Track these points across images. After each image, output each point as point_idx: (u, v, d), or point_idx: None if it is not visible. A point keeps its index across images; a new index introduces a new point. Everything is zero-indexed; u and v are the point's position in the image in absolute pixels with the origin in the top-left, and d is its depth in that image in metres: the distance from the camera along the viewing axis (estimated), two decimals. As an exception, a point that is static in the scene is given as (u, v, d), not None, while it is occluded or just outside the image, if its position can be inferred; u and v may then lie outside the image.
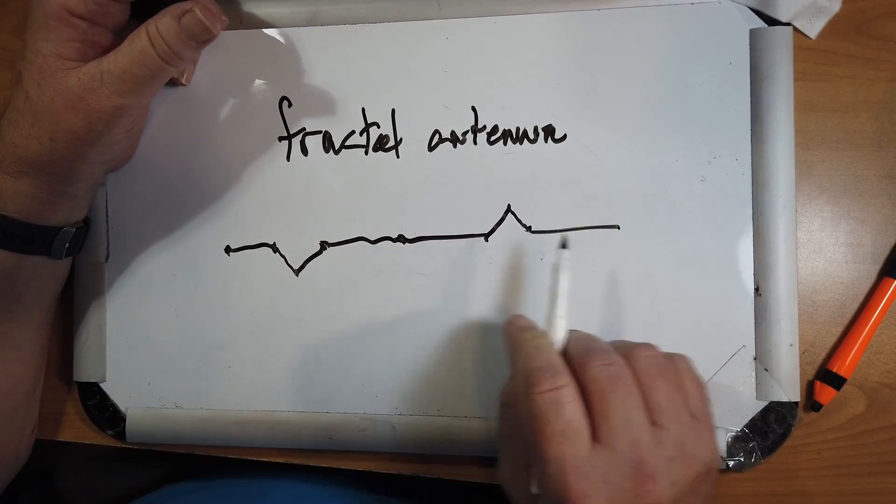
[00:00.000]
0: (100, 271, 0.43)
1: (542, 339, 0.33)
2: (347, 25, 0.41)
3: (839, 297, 0.39)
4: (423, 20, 0.40)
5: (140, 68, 0.34)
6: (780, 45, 0.37)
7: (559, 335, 0.33)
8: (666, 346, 0.38)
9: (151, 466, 0.51)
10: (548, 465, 0.29)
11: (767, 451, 0.38)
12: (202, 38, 0.34)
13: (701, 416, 0.31)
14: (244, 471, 0.46)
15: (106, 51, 0.35)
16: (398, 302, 0.40)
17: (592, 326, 0.38)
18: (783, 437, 0.38)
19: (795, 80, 0.38)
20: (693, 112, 0.38)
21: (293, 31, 0.41)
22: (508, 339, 0.34)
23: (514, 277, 0.39)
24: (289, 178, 0.41)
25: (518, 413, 0.31)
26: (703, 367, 0.38)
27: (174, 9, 0.34)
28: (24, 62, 0.35)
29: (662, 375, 0.31)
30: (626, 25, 0.39)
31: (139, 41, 0.34)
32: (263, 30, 0.42)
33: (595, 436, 0.29)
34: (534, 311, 0.39)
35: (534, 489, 0.31)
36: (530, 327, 0.34)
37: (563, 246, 0.35)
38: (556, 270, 0.34)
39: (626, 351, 0.32)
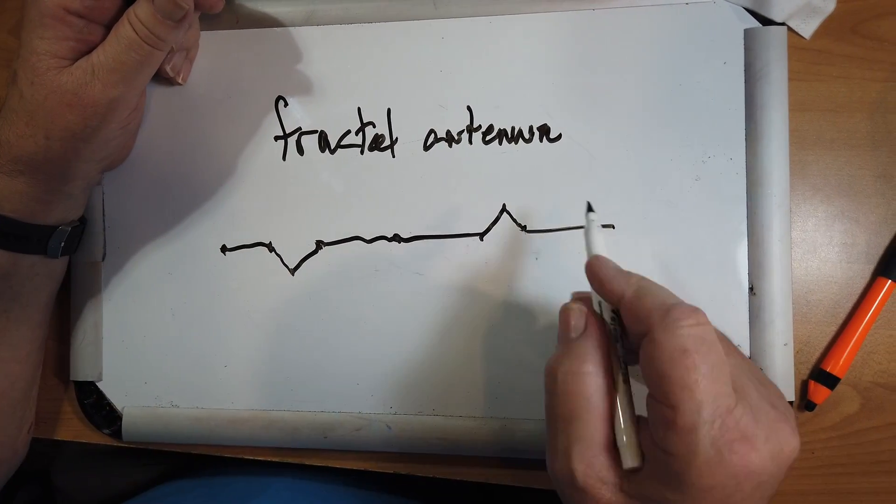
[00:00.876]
0: (96, 270, 0.43)
1: (652, 282, 0.29)
2: (343, 25, 0.41)
3: (833, 296, 0.39)
4: (418, 20, 0.40)
5: (128, 55, 0.34)
6: (775, 45, 0.38)
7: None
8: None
9: (148, 464, 0.51)
10: (701, 408, 0.25)
11: (761, 450, 0.38)
12: (176, 16, 0.34)
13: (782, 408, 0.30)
14: (240, 468, 0.46)
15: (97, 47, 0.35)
16: (393, 301, 0.40)
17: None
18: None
19: (790, 79, 0.38)
20: (687, 111, 0.38)
21: (290, 31, 0.41)
22: (611, 279, 0.30)
23: (509, 277, 0.40)
24: (285, 178, 0.41)
25: (647, 355, 0.27)
26: (698, 366, 0.38)
27: None
28: (20, 61, 0.35)
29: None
30: (621, 25, 0.39)
31: (123, 30, 0.34)
32: (260, 29, 0.42)
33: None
34: (528, 311, 0.39)
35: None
36: (626, 272, 0.30)
37: (590, 209, 0.33)
38: (586, 233, 0.32)
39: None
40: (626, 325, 0.29)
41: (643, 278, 0.29)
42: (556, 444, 0.29)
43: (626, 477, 0.28)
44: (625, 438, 0.28)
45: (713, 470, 0.25)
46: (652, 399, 0.27)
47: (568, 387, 0.28)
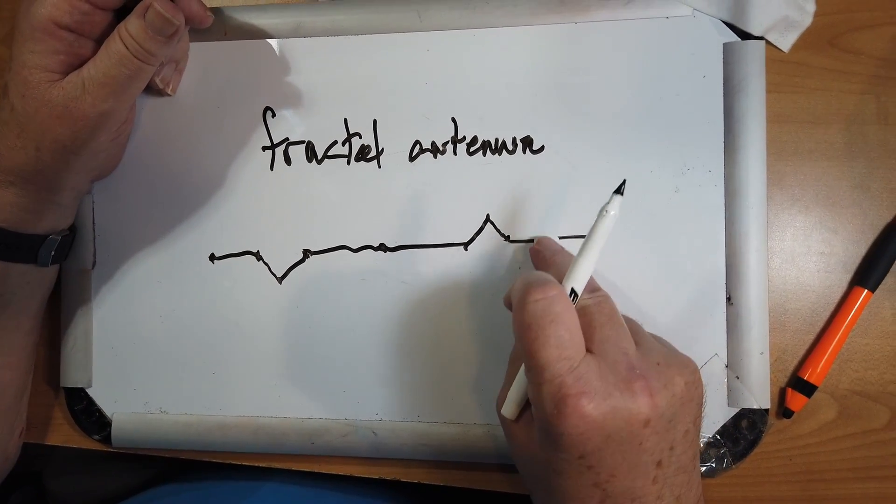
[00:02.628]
0: (86, 278, 0.43)
1: (543, 256, 0.36)
2: (330, 37, 0.42)
3: (811, 305, 0.40)
4: (404, 32, 0.41)
5: (118, 70, 0.35)
6: (753, 59, 0.38)
7: (578, 278, 0.32)
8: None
9: (139, 468, 0.51)
10: (543, 370, 0.29)
11: (739, 456, 0.38)
12: (167, 31, 0.35)
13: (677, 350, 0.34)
14: (230, 472, 0.46)
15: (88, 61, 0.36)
16: (379, 309, 0.41)
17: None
18: (754, 443, 0.38)
19: (768, 91, 0.39)
20: (667, 124, 0.39)
21: (277, 43, 0.42)
22: (532, 255, 0.38)
23: (493, 286, 0.40)
24: (272, 188, 0.42)
25: (514, 327, 0.31)
26: (677, 374, 0.38)
27: (139, 7, 0.35)
28: (11, 74, 0.36)
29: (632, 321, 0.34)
30: (602, 39, 0.39)
31: (114, 44, 0.35)
32: (248, 41, 0.42)
33: (586, 347, 0.30)
34: (511, 319, 0.40)
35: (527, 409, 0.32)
36: (552, 249, 0.37)
37: (619, 191, 0.33)
38: (600, 213, 0.33)
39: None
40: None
41: (547, 252, 0.37)
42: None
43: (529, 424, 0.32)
44: (510, 392, 0.33)
45: (557, 420, 0.29)
46: None
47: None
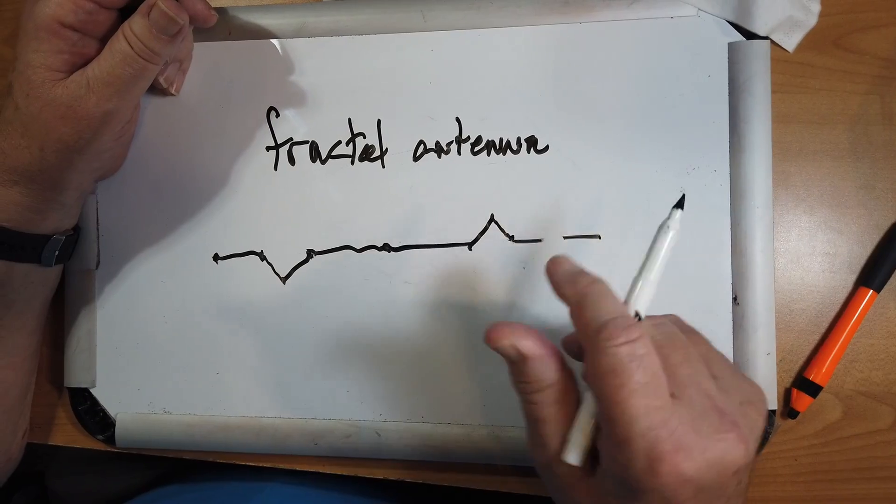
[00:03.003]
0: (90, 278, 0.43)
1: (607, 292, 0.29)
2: (334, 37, 0.42)
3: (816, 305, 0.40)
4: (408, 32, 0.41)
5: (123, 69, 0.35)
6: (758, 59, 0.38)
7: (642, 299, 0.30)
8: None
9: (142, 469, 0.51)
10: (632, 423, 0.26)
11: (744, 457, 0.38)
12: (171, 30, 0.35)
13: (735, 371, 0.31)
14: (232, 473, 0.46)
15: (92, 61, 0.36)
16: (383, 309, 0.41)
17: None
18: (760, 443, 0.38)
19: (773, 91, 0.39)
20: (672, 124, 0.39)
21: (281, 43, 0.42)
22: (561, 285, 0.31)
23: (497, 286, 0.40)
24: (276, 187, 0.42)
25: (585, 371, 0.28)
26: (681, 374, 0.38)
27: (143, 6, 0.35)
28: (15, 73, 0.36)
29: (693, 333, 0.31)
30: (607, 39, 0.39)
31: (118, 43, 0.35)
32: (252, 41, 0.42)
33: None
34: (515, 319, 0.40)
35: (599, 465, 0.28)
36: (591, 279, 0.30)
37: (679, 206, 0.31)
38: (661, 229, 0.31)
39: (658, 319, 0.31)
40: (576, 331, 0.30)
41: (592, 283, 0.30)
42: (529, 442, 0.31)
43: (593, 471, 0.29)
44: (571, 436, 0.29)
45: (648, 478, 0.26)
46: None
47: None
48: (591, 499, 0.29)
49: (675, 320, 0.32)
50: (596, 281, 0.30)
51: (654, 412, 0.26)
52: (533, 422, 0.30)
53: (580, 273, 0.31)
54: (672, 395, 0.27)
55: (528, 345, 0.30)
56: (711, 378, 0.29)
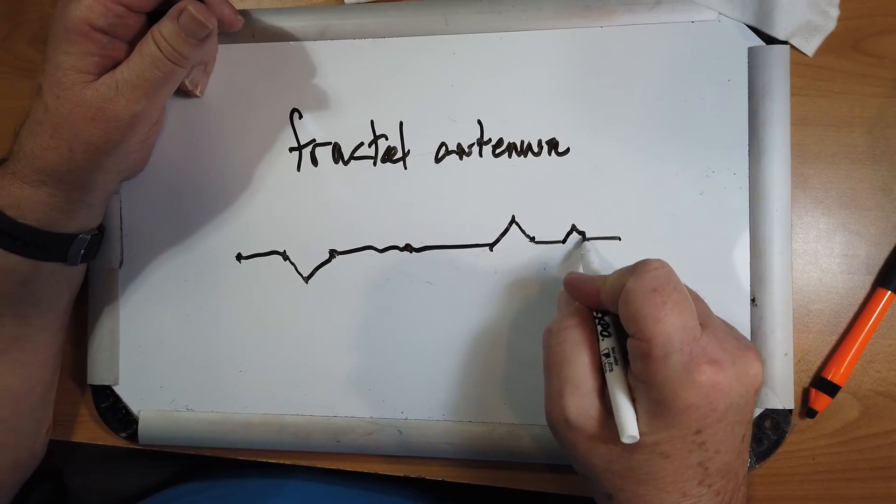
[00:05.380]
0: (113, 277, 0.44)
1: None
2: (357, 40, 0.42)
3: (834, 306, 0.40)
4: (430, 35, 0.41)
5: (152, 72, 0.35)
6: (778, 64, 0.39)
7: None
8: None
9: (160, 466, 0.51)
10: (671, 339, 0.28)
11: (762, 456, 0.39)
12: (200, 34, 0.35)
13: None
14: (251, 470, 0.47)
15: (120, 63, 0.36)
16: (404, 309, 0.41)
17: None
18: (777, 443, 0.39)
19: (792, 94, 0.39)
20: (692, 127, 0.39)
21: (304, 45, 0.42)
22: (578, 287, 0.34)
23: (517, 286, 0.41)
24: (299, 188, 0.42)
25: (624, 299, 0.30)
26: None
27: (173, 10, 0.35)
28: (45, 75, 0.36)
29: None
30: (628, 43, 0.40)
31: (147, 47, 0.35)
32: (275, 43, 0.43)
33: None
34: (535, 319, 0.40)
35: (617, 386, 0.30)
36: (580, 280, 0.35)
37: (584, 239, 0.39)
38: (582, 256, 0.38)
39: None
40: (605, 302, 0.32)
41: (590, 280, 0.34)
42: (550, 390, 0.33)
43: (610, 415, 0.30)
44: (621, 411, 0.29)
45: (687, 390, 0.28)
46: (631, 339, 0.30)
47: (556, 338, 0.33)
48: (609, 452, 0.31)
49: None
50: (583, 281, 0.34)
51: (689, 329, 0.29)
52: (558, 366, 0.32)
53: (583, 280, 0.35)
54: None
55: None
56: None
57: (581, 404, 0.31)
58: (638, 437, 0.29)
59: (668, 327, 0.28)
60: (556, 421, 0.32)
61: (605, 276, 0.33)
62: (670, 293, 0.29)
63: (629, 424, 0.29)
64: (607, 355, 0.31)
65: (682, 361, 0.28)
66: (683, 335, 0.29)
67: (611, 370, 0.31)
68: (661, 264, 0.30)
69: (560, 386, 0.32)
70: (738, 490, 0.31)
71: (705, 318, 0.31)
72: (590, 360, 0.32)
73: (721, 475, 0.30)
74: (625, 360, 0.31)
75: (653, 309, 0.29)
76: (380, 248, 0.42)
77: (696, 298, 0.32)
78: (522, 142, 0.41)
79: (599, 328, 0.32)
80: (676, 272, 0.31)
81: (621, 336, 0.32)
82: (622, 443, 0.29)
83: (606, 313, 0.33)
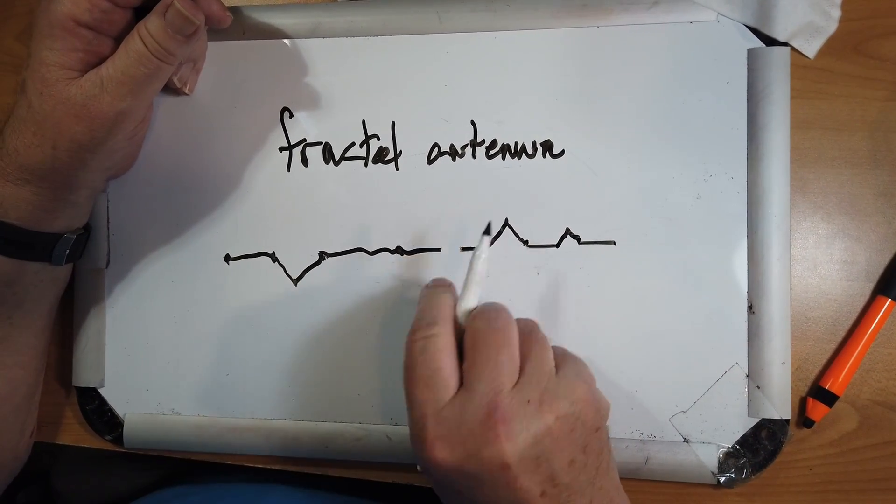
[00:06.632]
0: (100, 277, 0.43)
1: (439, 296, 0.33)
2: (349, 38, 0.41)
3: (833, 314, 0.39)
4: (423, 34, 0.41)
5: (137, 69, 0.35)
6: (778, 66, 0.38)
7: (468, 300, 0.34)
8: (659, 362, 0.39)
9: (148, 469, 0.51)
10: (412, 409, 0.31)
11: (758, 467, 0.38)
12: (187, 30, 0.35)
13: (570, 376, 0.32)
14: (240, 475, 0.46)
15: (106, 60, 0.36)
16: (395, 313, 0.41)
17: (585, 340, 0.39)
18: (774, 453, 0.38)
19: (792, 97, 0.38)
20: (690, 130, 0.39)
21: (295, 43, 0.42)
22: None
23: (511, 290, 0.40)
24: (289, 189, 0.42)
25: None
26: (696, 383, 0.38)
27: (159, 6, 0.35)
28: (28, 71, 0.35)
29: (542, 340, 0.33)
30: (625, 43, 0.39)
31: (133, 43, 0.35)
32: (266, 41, 0.42)
33: (462, 382, 0.31)
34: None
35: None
36: (438, 286, 0.34)
37: (487, 232, 0.35)
38: (475, 258, 0.35)
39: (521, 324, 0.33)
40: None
41: (428, 289, 0.35)
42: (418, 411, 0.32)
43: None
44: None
45: (425, 461, 0.30)
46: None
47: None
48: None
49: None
50: (436, 291, 0.34)
51: (428, 403, 0.30)
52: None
53: (435, 286, 0.35)
54: (462, 386, 0.30)
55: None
56: (514, 374, 0.31)
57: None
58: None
59: (411, 398, 0.31)
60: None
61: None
62: (416, 367, 0.31)
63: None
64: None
65: (415, 434, 0.31)
66: (422, 408, 0.30)
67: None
68: (424, 332, 0.31)
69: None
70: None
71: (473, 378, 0.30)
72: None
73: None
74: None
75: (405, 380, 0.31)
76: (370, 250, 0.41)
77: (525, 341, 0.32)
78: (516, 143, 0.40)
79: None
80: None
81: None
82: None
83: None
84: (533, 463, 0.29)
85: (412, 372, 0.31)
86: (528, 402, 0.30)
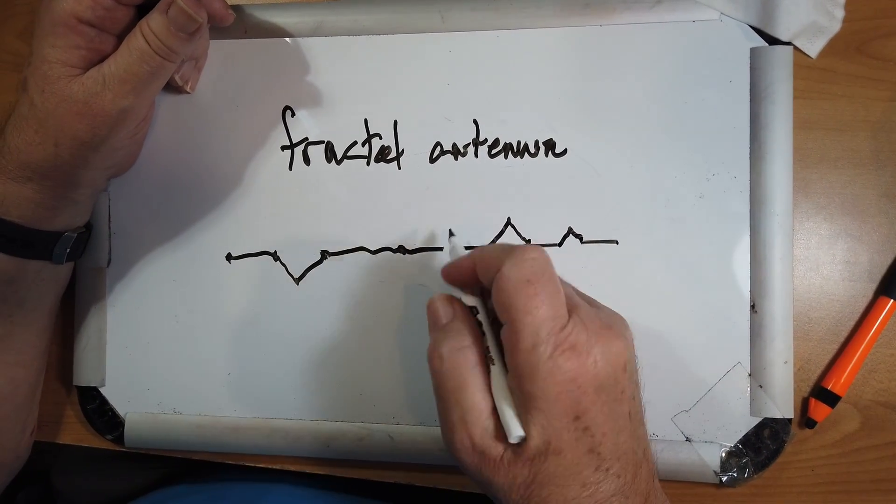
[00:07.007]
0: (101, 276, 0.43)
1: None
2: (352, 36, 0.41)
3: (835, 314, 0.39)
4: (426, 33, 0.41)
5: (140, 66, 0.34)
6: (780, 65, 0.38)
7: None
8: (661, 362, 0.38)
9: (148, 468, 0.51)
10: (539, 329, 0.28)
11: (760, 466, 0.38)
12: (189, 28, 0.35)
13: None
14: (241, 474, 0.46)
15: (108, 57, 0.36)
16: (397, 312, 0.41)
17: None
18: (776, 452, 0.38)
19: (795, 97, 0.38)
20: (692, 129, 0.38)
21: (298, 42, 0.42)
22: (453, 269, 0.34)
23: (513, 290, 0.40)
24: (291, 187, 0.42)
25: (498, 287, 0.30)
26: (698, 382, 0.38)
27: (161, 3, 0.35)
28: (30, 68, 0.35)
29: None
30: (628, 42, 0.39)
31: (135, 40, 0.34)
32: (268, 39, 0.42)
33: None
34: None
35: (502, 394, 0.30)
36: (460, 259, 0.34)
37: (451, 234, 0.38)
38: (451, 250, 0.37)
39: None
40: (480, 275, 0.32)
41: (468, 257, 0.33)
42: (451, 418, 0.31)
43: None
44: (504, 411, 0.29)
45: (554, 378, 0.28)
46: (503, 329, 0.30)
47: (451, 362, 0.31)
48: (512, 467, 0.30)
49: None
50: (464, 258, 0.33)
51: (557, 320, 0.29)
52: (457, 392, 0.31)
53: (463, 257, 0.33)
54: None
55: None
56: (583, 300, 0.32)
57: (485, 427, 0.30)
58: (523, 434, 0.29)
59: (538, 319, 0.29)
60: (463, 449, 0.31)
61: (482, 249, 0.32)
62: (544, 284, 0.29)
63: (512, 423, 0.29)
64: (487, 351, 0.31)
65: (548, 352, 0.28)
66: (551, 325, 0.29)
67: (493, 364, 0.31)
68: (538, 253, 0.30)
69: (462, 413, 0.31)
70: (640, 467, 0.30)
71: (572, 303, 0.30)
72: (484, 380, 0.31)
73: (616, 457, 0.29)
74: (502, 356, 0.31)
75: (525, 300, 0.29)
76: (372, 249, 0.41)
77: (564, 283, 0.32)
78: (519, 142, 0.40)
79: (479, 325, 0.32)
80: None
81: (497, 325, 0.31)
82: (524, 457, 0.29)
83: (483, 305, 0.32)
84: (634, 368, 0.30)
85: (537, 289, 0.29)
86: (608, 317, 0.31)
